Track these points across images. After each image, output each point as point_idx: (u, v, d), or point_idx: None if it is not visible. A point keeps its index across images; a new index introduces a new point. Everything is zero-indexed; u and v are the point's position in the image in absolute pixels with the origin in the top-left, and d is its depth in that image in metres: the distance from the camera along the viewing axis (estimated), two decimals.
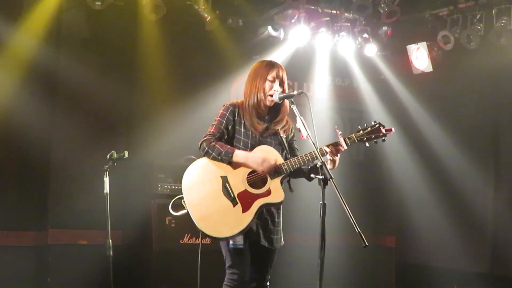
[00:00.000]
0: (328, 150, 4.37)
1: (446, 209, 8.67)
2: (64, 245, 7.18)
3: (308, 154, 4.37)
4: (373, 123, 4.49)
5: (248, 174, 4.45)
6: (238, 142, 4.54)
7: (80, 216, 7.16)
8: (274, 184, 4.43)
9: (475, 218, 8.51)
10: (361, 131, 4.46)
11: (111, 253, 5.51)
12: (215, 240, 4.47)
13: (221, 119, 4.56)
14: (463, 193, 8.50)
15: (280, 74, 4.54)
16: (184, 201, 4.46)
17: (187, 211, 4.42)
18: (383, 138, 4.47)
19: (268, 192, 4.42)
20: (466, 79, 8.50)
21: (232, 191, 4.42)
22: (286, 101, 4.53)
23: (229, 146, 4.45)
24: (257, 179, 4.45)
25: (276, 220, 4.57)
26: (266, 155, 4.43)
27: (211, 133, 4.52)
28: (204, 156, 4.51)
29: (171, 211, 4.60)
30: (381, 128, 4.47)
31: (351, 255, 8.58)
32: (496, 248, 8.36)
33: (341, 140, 4.40)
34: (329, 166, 4.37)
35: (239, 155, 4.42)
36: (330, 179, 3.98)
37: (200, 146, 4.51)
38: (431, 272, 8.82)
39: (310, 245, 6.63)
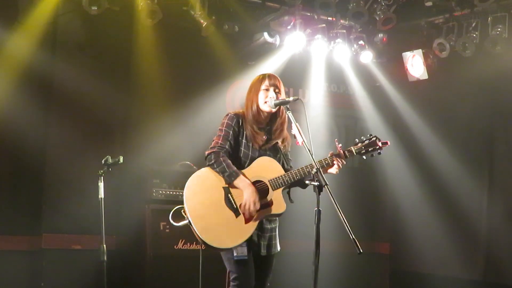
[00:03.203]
0: (334, 162, 4.46)
1: (440, 216, 8.68)
2: (58, 250, 7.16)
3: (308, 166, 4.39)
4: (369, 136, 4.61)
5: None
6: (239, 153, 4.54)
7: (75, 221, 7.14)
8: (276, 195, 4.45)
9: (469, 225, 8.52)
10: (359, 144, 4.59)
11: (105, 258, 5.50)
12: (217, 251, 4.46)
13: (228, 130, 4.52)
14: (457, 200, 8.50)
15: (274, 82, 4.57)
16: (185, 211, 4.41)
17: (189, 221, 4.37)
18: (379, 151, 4.61)
19: (270, 203, 4.44)
20: (461, 87, 8.52)
21: (234, 202, 4.42)
22: (286, 114, 4.51)
23: (235, 168, 4.41)
24: (260, 189, 4.45)
25: (273, 226, 4.61)
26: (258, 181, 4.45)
27: (220, 145, 4.48)
28: (208, 166, 4.49)
29: (171, 221, 4.54)
30: (377, 141, 4.60)
31: (345, 262, 8.58)
32: (490, 255, 8.37)
33: (341, 153, 4.51)
34: (334, 170, 4.47)
35: (240, 182, 4.40)
36: (325, 186, 3.99)
37: (207, 156, 4.48)
38: (425, 279, 8.82)
39: (305, 252, 6.61)
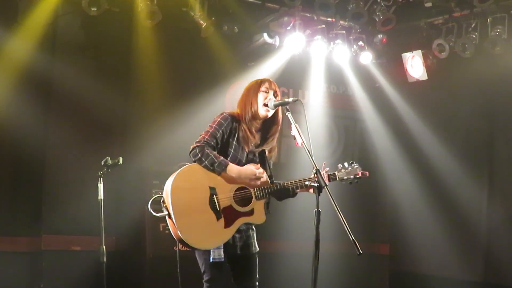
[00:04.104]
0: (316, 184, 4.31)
1: (440, 217, 8.68)
2: (57, 251, 7.17)
3: (297, 182, 4.46)
4: (353, 164, 4.66)
5: (236, 190, 4.43)
6: (228, 154, 4.50)
7: (74, 222, 7.15)
8: (258, 205, 4.45)
9: (469, 226, 8.52)
10: (342, 170, 4.63)
11: (104, 259, 5.49)
12: (194, 250, 4.46)
13: (217, 128, 4.47)
14: (457, 201, 8.51)
15: (273, 86, 4.58)
16: (163, 202, 4.36)
17: (169, 215, 4.31)
18: (356, 180, 4.66)
19: (251, 212, 4.44)
20: (461, 88, 8.53)
21: (218, 205, 4.38)
22: (283, 118, 4.53)
23: (222, 158, 4.40)
24: (244, 196, 4.44)
25: (249, 226, 4.56)
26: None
27: (205, 139, 4.41)
28: (195, 162, 4.43)
29: (151, 211, 4.49)
30: (358, 170, 4.66)
31: (345, 263, 8.57)
32: (490, 257, 8.37)
33: (325, 178, 4.49)
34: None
35: (232, 169, 4.40)
36: (325, 187, 3.99)
37: (192, 151, 4.41)
38: (425, 280, 8.82)
39: (304, 253, 6.61)
